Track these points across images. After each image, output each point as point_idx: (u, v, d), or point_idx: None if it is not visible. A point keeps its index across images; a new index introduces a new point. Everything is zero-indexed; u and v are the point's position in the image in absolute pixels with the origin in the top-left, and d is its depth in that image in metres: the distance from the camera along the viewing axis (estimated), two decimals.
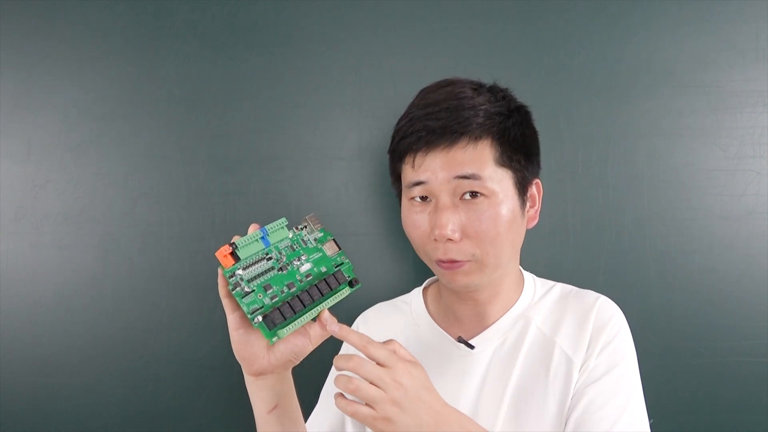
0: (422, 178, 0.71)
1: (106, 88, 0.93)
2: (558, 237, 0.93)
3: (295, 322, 0.62)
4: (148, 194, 0.92)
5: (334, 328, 0.64)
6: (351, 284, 0.68)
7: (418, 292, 0.85)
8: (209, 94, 0.93)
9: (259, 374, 0.66)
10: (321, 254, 0.68)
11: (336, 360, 0.62)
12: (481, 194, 0.69)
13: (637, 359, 0.73)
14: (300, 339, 0.65)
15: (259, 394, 0.69)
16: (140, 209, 0.92)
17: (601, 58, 0.93)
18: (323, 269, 0.67)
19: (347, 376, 0.60)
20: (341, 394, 0.62)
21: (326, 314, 0.65)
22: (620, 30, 0.93)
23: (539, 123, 0.78)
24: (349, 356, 0.61)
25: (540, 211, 0.78)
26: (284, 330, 0.61)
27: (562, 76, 0.93)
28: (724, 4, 0.93)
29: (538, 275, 0.82)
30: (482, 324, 0.77)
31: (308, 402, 0.82)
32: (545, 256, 0.92)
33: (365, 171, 0.94)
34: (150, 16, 0.93)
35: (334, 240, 0.69)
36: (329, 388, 0.82)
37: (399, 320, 0.83)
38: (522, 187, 0.73)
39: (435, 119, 0.70)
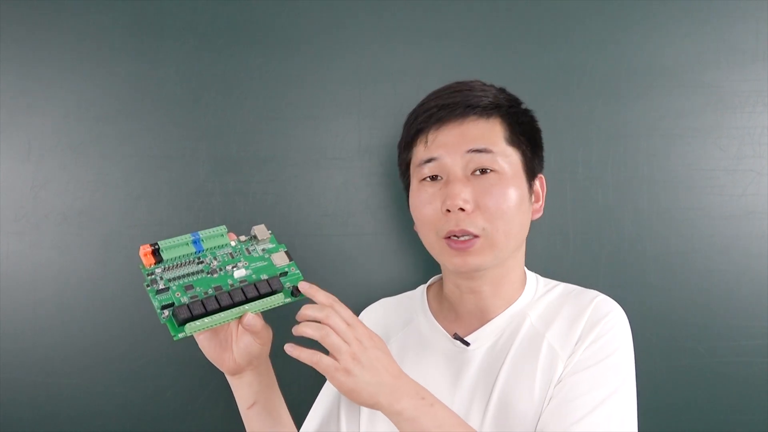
0: (434, 154, 0.73)
1: (106, 88, 0.92)
2: (558, 237, 0.93)
3: (207, 319, 0.60)
4: (148, 194, 0.92)
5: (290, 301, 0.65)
6: (293, 294, 0.66)
7: (422, 288, 0.86)
8: (209, 94, 0.93)
9: (233, 373, 0.69)
10: (267, 263, 0.67)
11: (305, 308, 0.63)
12: (492, 170, 0.71)
13: (637, 359, 0.72)
14: (244, 339, 0.66)
15: (238, 392, 0.72)
16: (140, 209, 0.92)
17: (601, 58, 0.93)
18: (263, 277, 0.66)
19: (317, 324, 0.62)
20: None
21: (248, 317, 0.63)
22: (620, 30, 0.93)
23: (539, 123, 0.79)
24: (322, 306, 0.63)
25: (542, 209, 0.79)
26: (191, 326, 0.59)
27: (562, 76, 0.93)
28: (724, 4, 0.93)
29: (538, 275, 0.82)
30: (481, 320, 0.77)
31: (301, 400, 0.82)
32: (545, 256, 0.92)
33: (365, 171, 0.94)
34: (150, 16, 0.93)
35: (286, 252, 0.69)
36: (326, 390, 0.82)
37: (400, 315, 0.84)
38: (529, 172, 0.75)
39: (447, 98, 0.74)
